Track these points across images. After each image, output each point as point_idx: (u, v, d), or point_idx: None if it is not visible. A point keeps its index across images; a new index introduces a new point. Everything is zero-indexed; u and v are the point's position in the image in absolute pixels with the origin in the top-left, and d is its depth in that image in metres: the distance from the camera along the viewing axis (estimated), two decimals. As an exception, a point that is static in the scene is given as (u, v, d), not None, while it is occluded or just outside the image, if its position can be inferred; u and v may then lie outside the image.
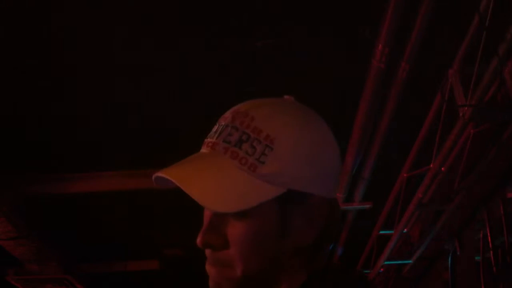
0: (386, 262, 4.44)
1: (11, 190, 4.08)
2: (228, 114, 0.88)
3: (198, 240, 0.87)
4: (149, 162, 4.15)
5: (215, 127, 0.89)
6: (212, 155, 0.85)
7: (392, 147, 3.51)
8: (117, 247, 5.70)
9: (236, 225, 0.84)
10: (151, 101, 3.49)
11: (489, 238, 3.39)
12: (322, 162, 0.86)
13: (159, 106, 3.54)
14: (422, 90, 3.13)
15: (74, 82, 3.27)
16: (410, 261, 4.42)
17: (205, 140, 0.89)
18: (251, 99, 0.92)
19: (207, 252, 0.88)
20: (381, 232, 4.47)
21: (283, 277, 0.87)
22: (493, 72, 2.45)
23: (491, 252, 3.37)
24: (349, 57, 3.03)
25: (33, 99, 3.40)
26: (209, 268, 0.88)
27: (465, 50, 2.59)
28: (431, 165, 3.14)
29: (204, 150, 0.88)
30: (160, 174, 0.84)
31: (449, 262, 4.08)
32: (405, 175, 3.70)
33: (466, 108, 2.53)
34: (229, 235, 0.85)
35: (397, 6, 2.31)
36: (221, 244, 0.85)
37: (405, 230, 3.93)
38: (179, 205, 4.82)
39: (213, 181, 0.82)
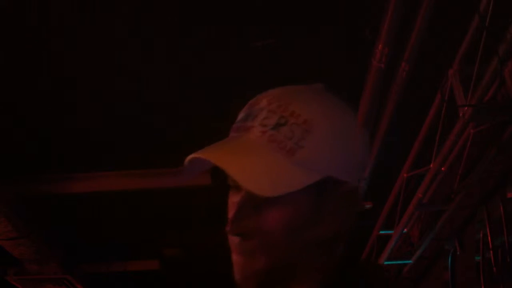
0: (386, 262, 4.44)
1: (11, 190, 4.08)
2: (262, 98, 0.86)
3: (229, 228, 0.84)
4: (149, 162, 4.16)
5: (245, 111, 0.86)
6: (247, 138, 0.83)
7: (392, 147, 3.51)
8: (117, 247, 5.69)
9: (268, 212, 0.82)
10: (151, 101, 3.49)
11: (489, 238, 3.39)
12: (355, 150, 0.85)
13: (159, 106, 3.54)
14: (422, 90, 3.13)
15: (74, 82, 3.27)
16: (410, 261, 4.42)
17: (235, 124, 0.87)
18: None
19: (235, 241, 0.85)
20: (381, 232, 4.47)
21: (308, 268, 0.86)
22: (493, 72, 2.45)
23: (491, 252, 3.37)
24: (349, 57, 3.02)
25: (33, 99, 3.40)
26: (236, 258, 0.85)
27: (465, 50, 2.59)
28: (431, 165, 3.14)
29: (235, 134, 0.86)
30: (195, 155, 0.82)
31: (449, 262, 4.08)
32: (405, 175, 3.70)
33: (466, 108, 2.53)
34: (260, 222, 0.82)
35: (397, 6, 2.31)
36: (252, 232, 0.82)
37: (405, 230, 3.93)
38: (179, 205, 4.84)
39: (249, 163, 0.80)
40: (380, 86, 2.76)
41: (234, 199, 0.86)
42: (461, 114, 2.60)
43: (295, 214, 0.82)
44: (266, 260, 0.83)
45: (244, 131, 0.84)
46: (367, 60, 2.64)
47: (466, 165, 2.95)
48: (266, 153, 0.80)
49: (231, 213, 0.85)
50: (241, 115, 0.87)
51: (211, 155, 0.81)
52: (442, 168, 3.08)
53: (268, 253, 0.83)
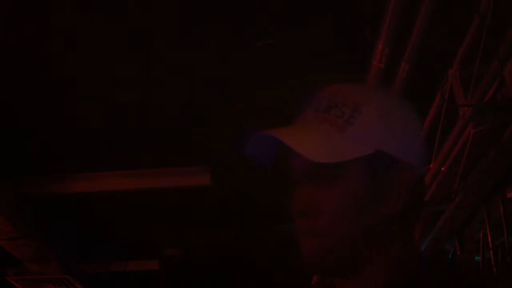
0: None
1: (11, 190, 4.08)
2: (311, 89, 0.92)
3: (292, 207, 0.88)
4: (149, 162, 4.16)
5: (300, 102, 0.92)
6: (302, 122, 0.89)
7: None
8: (117, 247, 5.69)
9: (327, 189, 0.86)
10: (151, 101, 3.49)
11: (489, 238, 3.39)
12: (407, 128, 0.88)
13: (159, 106, 3.54)
14: (422, 90, 3.13)
15: (74, 82, 3.27)
16: (410, 261, 4.41)
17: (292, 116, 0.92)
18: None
19: (299, 222, 0.88)
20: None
21: (375, 253, 0.86)
22: (493, 72, 2.45)
23: (491, 252, 3.37)
24: (349, 57, 3.03)
25: (33, 99, 3.40)
26: (302, 240, 0.88)
27: (465, 50, 2.59)
28: (431, 165, 3.14)
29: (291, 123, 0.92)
30: (267, 133, 0.86)
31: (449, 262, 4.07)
32: (405, 175, 3.69)
33: (466, 108, 2.53)
34: (322, 200, 0.86)
35: (397, 6, 2.31)
36: (314, 211, 0.86)
37: (405, 230, 3.92)
38: (179, 205, 4.84)
39: (305, 136, 0.86)
40: (380, 86, 2.76)
41: (298, 181, 0.89)
42: (461, 114, 2.60)
43: (353, 189, 0.85)
44: (329, 241, 0.85)
45: (299, 119, 0.90)
46: (367, 60, 2.64)
47: (466, 165, 2.94)
48: (320, 129, 0.86)
49: (295, 193, 0.88)
50: (296, 106, 0.92)
51: (273, 131, 0.86)
52: (442, 168, 3.07)
53: (332, 231, 0.85)
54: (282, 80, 3.10)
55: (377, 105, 0.87)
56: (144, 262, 6.16)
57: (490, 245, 3.38)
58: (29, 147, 3.86)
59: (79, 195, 4.27)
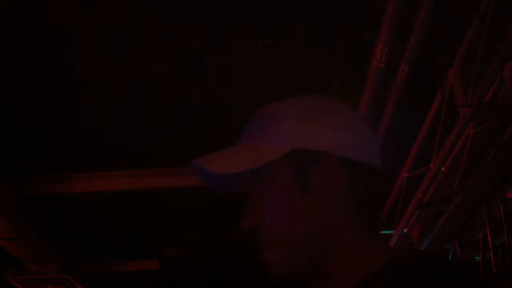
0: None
1: (11, 190, 4.08)
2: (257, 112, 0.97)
3: (241, 224, 0.92)
4: (150, 162, 4.16)
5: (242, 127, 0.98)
6: (232, 146, 0.95)
7: (392, 147, 3.51)
8: (117, 247, 5.69)
9: (264, 196, 0.90)
10: (151, 102, 3.49)
11: (489, 238, 3.39)
12: (328, 122, 0.91)
13: (159, 107, 3.54)
14: (422, 90, 3.13)
15: (74, 82, 3.27)
16: (410, 261, 4.41)
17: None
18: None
19: (256, 236, 0.91)
20: (381, 232, 4.47)
21: (336, 249, 0.88)
22: (493, 72, 2.45)
23: (491, 252, 3.37)
24: (349, 57, 3.03)
25: (33, 99, 3.40)
26: (262, 252, 0.91)
27: (465, 50, 2.59)
28: (431, 165, 3.14)
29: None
30: (195, 163, 0.93)
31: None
32: (405, 175, 3.70)
33: (466, 108, 2.53)
34: (263, 208, 0.90)
35: (397, 6, 2.31)
36: (262, 221, 0.90)
37: (405, 230, 3.93)
38: (179, 205, 4.84)
39: (227, 157, 0.92)
40: (380, 86, 2.76)
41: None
42: (461, 114, 2.61)
43: (282, 187, 0.89)
44: (285, 246, 0.88)
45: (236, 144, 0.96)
46: (367, 60, 2.64)
47: (466, 165, 2.94)
48: (241, 146, 0.92)
49: (244, 214, 0.94)
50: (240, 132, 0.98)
51: (200, 161, 0.92)
52: (442, 168, 3.07)
53: (282, 238, 0.88)
54: (282, 80, 3.11)
55: (288, 111, 0.91)
56: (144, 262, 6.16)
57: (490, 245, 3.38)
58: (29, 147, 3.86)
59: (79, 195, 4.27)
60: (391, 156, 3.64)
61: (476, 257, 3.69)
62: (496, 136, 2.75)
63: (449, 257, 3.79)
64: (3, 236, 4.29)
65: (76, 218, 4.94)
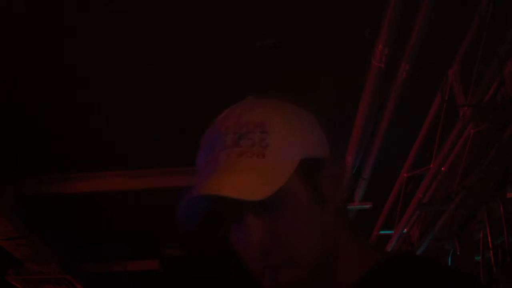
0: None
1: (11, 190, 4.08)
2: (214, 127, 0.90)
3: (255, 251, 0.84)
4: (150, 162, 4.16)
5: (205, 146, 0.90)
6: (218, 166, 0.85)
7: (392, 147, 3.51)
8: (117, 247, 5.69)
9: (277, 215, 0.84)
10: (151, 102, 3.49)
11: (489, 238, 3.38)
12: (314, 126, 0.89)
13: (159, 107, 3.54)
14: (422, 90, 3.13)
15: (74, 82, 3.27)
16: (410, 261, 4.40)
17: (202, 160, 0.90)
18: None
19: (266, 259, 0.85)
20: (381, 232, 4.47)
21: (341, 253, 0.88)
22: (493, 72, 2.45)
23: (491, 252, 3.37)
24: (349, 57, 3.03)
25: (32, 99, 3.40)
26: (280, 277, 0.85)
27: (465, 50, 2.59)
28: (431, 165, 3.14)
29: (205, 168, 0.89)
30: (194, 194, 0.84)
31: (449, 262, 4.07)
32: (405, 175, 3.70)
33: (466, 108, 2.53)
34: (277, 229, 0.84)
35: (397, 6, 2.31)
36: (275, 243, 0.84)
37: (405, 230, 3.93)
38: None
39: (234, 179, 0.82)
40: (380, 86, 2.76)
41: (245, 222, 0.86)
42: (461, 114, 2.61)
43: (299, 203, 0.84)
44: (307, 263, 0.84)
45: (208, 164, 0.87)
46: (367, 60, 2.64)
47: (466, 165, 2.94)
48: (242, 165, 0.83)
49: (249, 236, 0.85)
50: (202, 152, 0.90)
51: (203, 190, 0.83)
52: (442, 168, 3.07)
53: (305, 256, 0.84)
54: (282, 80, 3.11)
55: (278, 119, 0.86)
56: (144, 262, 6.16)
57: (490, 245, 3.38)
58: (29, 147, 3.86)
59: (79, 195, 4.27)
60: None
61: (476, 257, 3.68)
62: (496, 136, 2.75)
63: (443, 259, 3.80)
64: (3, 236, 4.29)
65: (76, 218, 4.94)
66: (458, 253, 3.92)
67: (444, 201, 3.37)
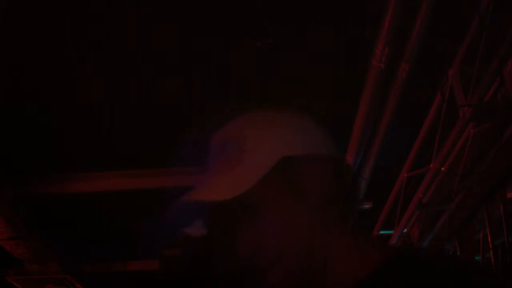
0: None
1: (11, 190, 4.08)
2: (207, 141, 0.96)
3: (238, 252, 0.88)
4: (150, 162, 4.16)
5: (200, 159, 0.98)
6: (209, 175, 0.93)
7: (392, 147, 3.51)
8: (117, 247, 5.69)
9: (258, 215, 0.86)
10: (150, 102, 3.49)
11: (489, 238, 3.39)
12: (293, 126, 0.91)
13: (159, 107, 3.54)
14: (422, 90, 3.13)
15: (75, 82, 3.27)
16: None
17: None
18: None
19: (251, 263, 0.88)
20: (381, 232, 4.47)
21: (331, 250, 0.87)
22: (493, 72, 2.45)
23: (491, 252, 3.37)
24: (349, 57, 3.02)
25: (32, 99, 3.40)
26: (268, 278, 0.87)
27: (465, 50, 2.59)
28: (431, 165, 3.14)
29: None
30: (190, 199, 0.93)
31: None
32: (405, 175, 3.70)
33: (466, 108, 2.53)
34: (258, 230, 0.86)
35: (397, 6, 2.31)
36: (259, 245, 0.86)
37: (405, 230, 3.93)
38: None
39: (214, 184, 0.89)
40: (380, 86, 2.76)
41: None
42: (461, 114, 2.61)
43: (277, 201, 0.87)
44: (294, 255, 0.85)
45: (209, 173, 0.94)
46: (367, 60, 2.64)
47: (466, 165, 2.94)
48: (224, 171, 0.88)
49: (237, 245, 0.89)
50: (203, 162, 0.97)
51: (194, 196, 0.92)
52: (442, 168, 3.07)
53: (291, 247, 0.85)
54: (282, 80, 3.11)
55: (254, 123, 0.91)
56: (144, 262, 6.16)
57: (490, 245, 3.38)
58: (29, 147, 3.86)
59: (79, 195, 4.27)
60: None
61: (476, 257, 3.69)
62: (496, 136, 2.75)
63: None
64: (3, 236, 4.29)
65: (76, 218, 4.94)
66: (458, 253, 3.92)
67: (444, 201, 3.37)
